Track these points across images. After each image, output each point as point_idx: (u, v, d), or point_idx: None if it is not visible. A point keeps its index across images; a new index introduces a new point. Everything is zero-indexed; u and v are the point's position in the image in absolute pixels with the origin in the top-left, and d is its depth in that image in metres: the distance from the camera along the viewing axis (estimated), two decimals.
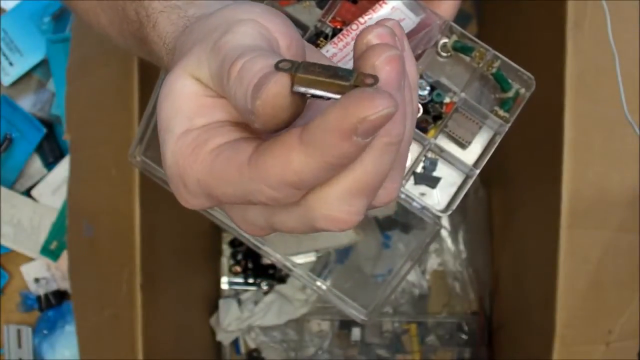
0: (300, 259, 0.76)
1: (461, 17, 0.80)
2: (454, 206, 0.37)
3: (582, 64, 0.51)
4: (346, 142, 0.21)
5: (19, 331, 0.79)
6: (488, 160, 0.37)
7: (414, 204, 0.37)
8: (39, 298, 0.80)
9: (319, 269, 0.76)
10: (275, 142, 0.22)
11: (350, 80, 0.22)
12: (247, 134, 0.25)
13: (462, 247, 0.79)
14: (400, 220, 0.76)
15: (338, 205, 0.23)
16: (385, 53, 0.22)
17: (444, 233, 0.79)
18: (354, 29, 0.33)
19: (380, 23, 0.24)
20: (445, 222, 0.79)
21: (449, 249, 0.79)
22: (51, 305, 0.79)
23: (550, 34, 0.54)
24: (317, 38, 0.37)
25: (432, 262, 0.80)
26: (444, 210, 0.37)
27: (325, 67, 0.22)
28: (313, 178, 0.22)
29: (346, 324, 0.79)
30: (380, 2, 0.33)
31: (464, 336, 0.79)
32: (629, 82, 0.52)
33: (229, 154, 0.24)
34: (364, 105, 0.20)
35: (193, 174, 0.24)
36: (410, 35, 0.33)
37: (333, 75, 0.22)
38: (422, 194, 0.37)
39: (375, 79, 0.22)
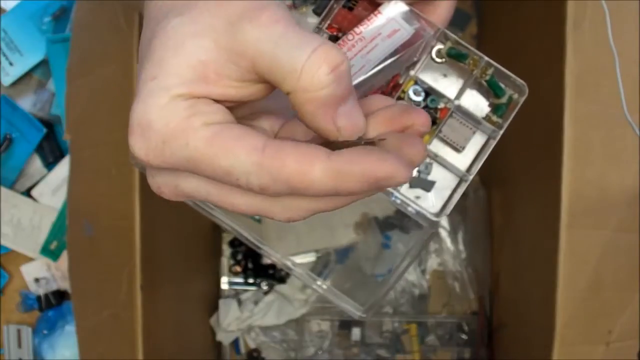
0: (300, 259, 0.76)
1: (461, 17, 0.80)
2: (448, 210, 0.37)
3: (581, 64, 0.51)
4: (363, 188, 0.24)
5: (19, 331, 0.79)
6: (488, 161, 0.37)
7: (409, 208, 0.37)
8: (39, 298, 0.80)
9: (319, 268, 0.76)
10: (300, 145, 0.23)
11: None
12: (240, 121, 0.26)
13: (461, 247, 0.79)
14: (400, 221, 0.76)
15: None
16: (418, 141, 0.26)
17: (444, 233, 0.79)
18: (350, 39, 0.33)
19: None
20: (444, 222, 0.79)
21: (448, 249, 0.79)
22: (51, 305, 0.79)
23: (550, 34, 0.54)
24: None
25: (432, 262, 0.80)
26: (438, 214, 0.37)
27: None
28: (315, 193, 0.23)
29: (346, 324, 0.79)
30: (376, 13, 0.34)
31: (464, 336, 0.79)
32: (629, 82, 0.52)
33: (240, 133, 0.24)
34: (394, 166, 0.23)
35: (185, 139, 0.24)
36: (405, 46, 0.34)
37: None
38: (417, 197, 0.37)
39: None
